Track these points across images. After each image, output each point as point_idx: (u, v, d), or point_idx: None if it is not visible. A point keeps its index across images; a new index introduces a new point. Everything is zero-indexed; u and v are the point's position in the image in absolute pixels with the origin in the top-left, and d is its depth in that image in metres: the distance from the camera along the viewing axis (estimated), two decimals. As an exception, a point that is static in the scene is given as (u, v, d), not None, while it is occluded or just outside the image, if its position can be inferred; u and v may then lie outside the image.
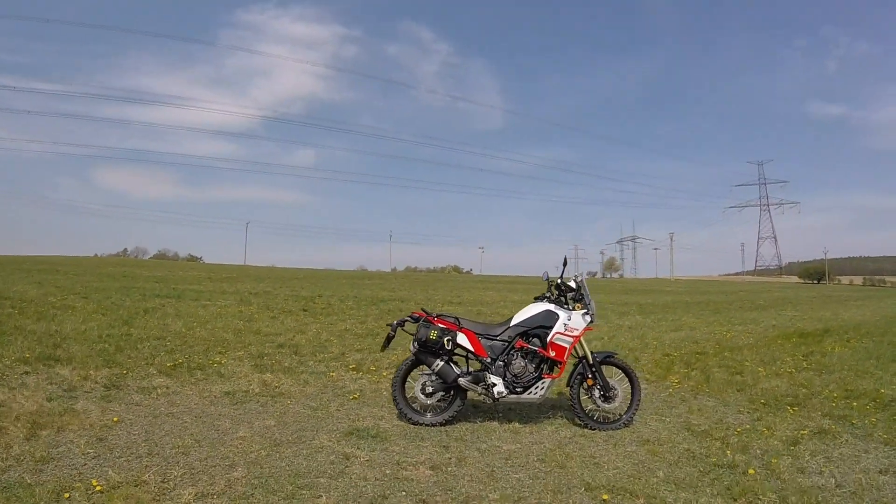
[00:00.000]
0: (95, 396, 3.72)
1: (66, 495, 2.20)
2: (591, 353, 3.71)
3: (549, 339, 3.60)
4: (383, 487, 2.51)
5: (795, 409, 4.05)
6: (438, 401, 3.64)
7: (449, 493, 2.47)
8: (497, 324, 3.83)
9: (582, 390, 3.66)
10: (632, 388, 3.70)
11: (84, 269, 22.34)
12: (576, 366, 3.74)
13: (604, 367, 3.74)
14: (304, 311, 9.75)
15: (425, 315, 3.73)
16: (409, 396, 3.65)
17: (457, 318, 3.76)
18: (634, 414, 3.67)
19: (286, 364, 5.23)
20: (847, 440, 3.35)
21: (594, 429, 3.53)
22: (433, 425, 3.51)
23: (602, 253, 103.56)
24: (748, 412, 4.01)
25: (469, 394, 3.68)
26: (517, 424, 3.62)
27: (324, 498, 2.35)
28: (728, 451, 3.06)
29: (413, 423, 3.53)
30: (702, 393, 4.69)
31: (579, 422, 3.60)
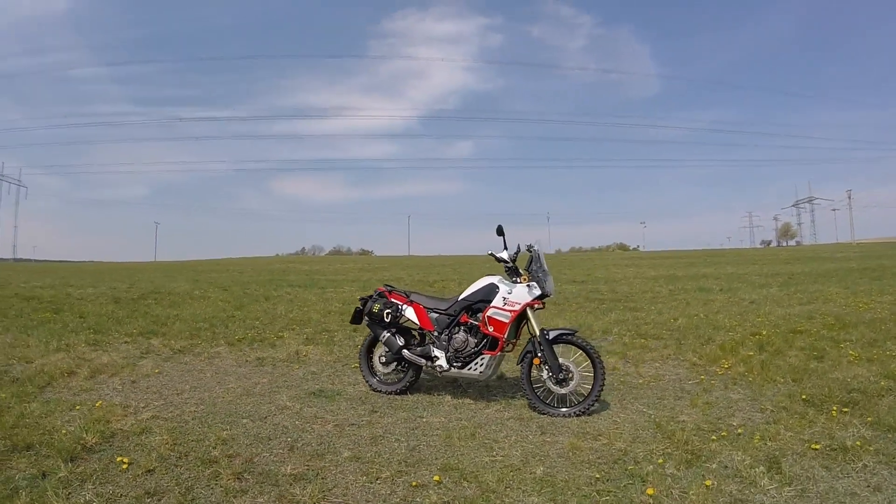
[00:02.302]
0: (160, 358, 5.38)
1: (77, 407, 3.57)
2: (543, 329, 3.73)
3: (484, 313, 3.80)
4: (280, 431, 3.26)
5: (846, 411, 3.34)
6: (396, 371, 4.20)
7: (322, 443, 3.07)
8: (448, 298, 4.16)
9: (535, 370, 3.74)
10: (594, 372, 3.60)
11: (252, 267, 29.03)
12: (527, 343, 3.83)
13: (563, 347, 3.74)
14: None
15: (383, 289, 4.32)
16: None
17: (407, 293, 4.24)
18: (595, 401, 3.56)
19: (336, 339, 6.41)
20: (866, 467, 2.58)
21: (543, 412, 3.58)
22: (387, 393, 4.10)
23: (776, 219, 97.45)
24: (772, 411, 3.48)
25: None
26: (468, 401, 3.94)
27: (238, 430, 3.22)
28: (665, 462, 2.71)
29: (373, 390, 4.18)
30: (741, 382, 4.23)
31: (530, 404, 3.69)
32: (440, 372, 3.96)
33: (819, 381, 4.06)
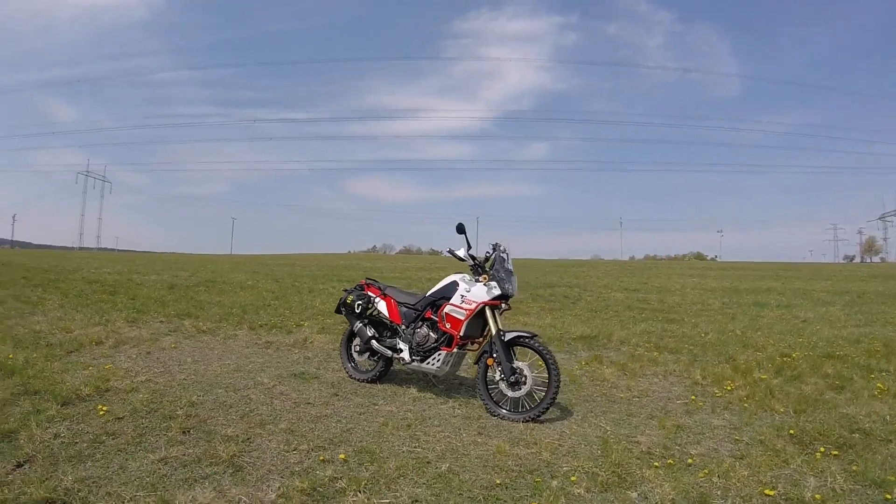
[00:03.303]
0: (182, 336, 6.26)
1: (90, 368, 4.41)
2: (500, 330, 3.93)
3: (441, 310, 4.10)
4: (244, 402, 3.81)
5: (834, 454, 3.15)
6: (369, 360, 4.63)
7: (272, 415, 3.58)
8: (419, 294, 4.51)
9: (490, 371, 3.95)
10: (548, 378, 3.71)
11: (317, 263, 31.09)
12: (484, 343, 4.06)
13: (521, 350, 3.93)
14: None
15: (364, 282, 4.77)
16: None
17: (383, 287, 4.65)
18: (547, 408, 3.68)
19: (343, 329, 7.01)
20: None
21: (494, 414, 3.79)
22: (360, 381, 4.55)
23: (860, 232, 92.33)
24: (746, 444, 3.35)
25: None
26: (430, 395, 4.27)
27: (209, 397, 3.83)
28: (578, 480, 2.70)
29: (349, 377, 4.65)
30: (734, 408, 4.14)
31: (484, 404, 3.90)
32: (404, 364, 4.32)
33: (823, 416, 3.85)
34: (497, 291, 3.97)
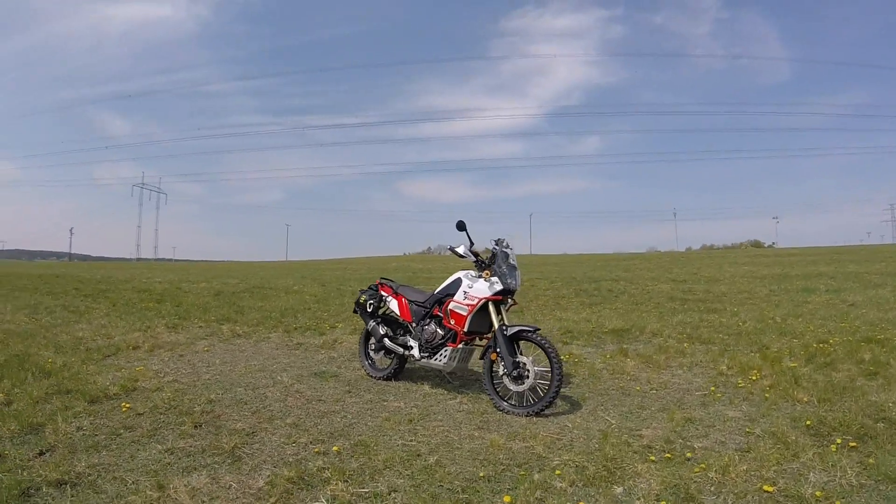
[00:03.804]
0: (218, 339, 6.71)
1: (122, 370, 4.85)
2: (503, 325, 4.00)
3: (445, 306, 4.21)
4: (259, 399, 4.08)
5: (852, 446, 2.98)
6: (384, 358, 4.81)
7: (282, 412, 3.82)
8: (429, 291, 4.63)
9: (495, 366, 4.02)
10: (551, 372, 3.73)
11: (367, 266, 31.96)
12: (491, 339, 4.12)
13: (524, 344, 3.97)
14: None
15: (379, 282, 4.96)
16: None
17: (396, 286, 4.81)
18: (550, 402, 3.71)
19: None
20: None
21: (499, 408, 3.86)
22: (376, 378, 4.74)
23: None
24: (757, 436, 3.23)
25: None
26: (441, 391, 4.39)
27: (228, 395, 4.13)
28: (563, 474, 2.70)
29: (367, 375, 4.85)
30: (755, 398, 4.00)
31: (490, 398, 3.98)
32: (414, 361, 4.46)
33: (849, 404, 3.67)
34: (498, 286, 4.03)
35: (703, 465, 2.81)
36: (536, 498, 2.51)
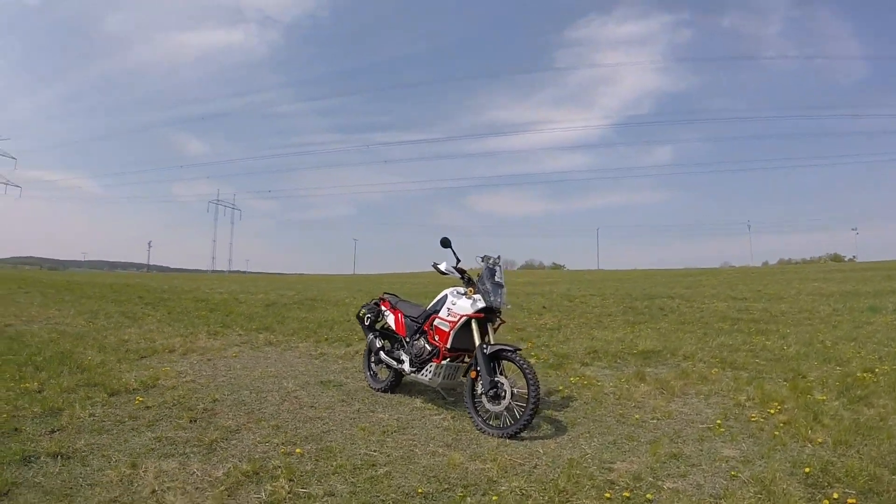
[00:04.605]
0: (250, 346, 7.35)
1: (150, 369, 5.52)
2: (482, 344, 4.16)
3: (430, 322, 4.44)
4: (258, 401, 4.52)
5: (851, 502, 2.78)
6: (384, 370, 5.10)
7: (272, 414, 4.23)
8: (424, 307, 4.87)
9: (476, 384, 4.16)
10: (528, 394, 3.81)
11: (426, 280, 32.60)
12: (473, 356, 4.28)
13: (511, 366, 4.08)
14: (545, 308, 11.78)
15: (382, 297, 5.29)
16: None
17: (395, 301, 5.12)
18: (525, 425, 3.79)
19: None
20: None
21: (478, 428, 3.99)
22: (375, 390, 5.06)
23: None
24: (741, 482, 3.09)
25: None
26: (430, 406, 4.62)
27: (232, 396, 4.62)
28: (486, 499, 2.81)
29: (369, 386, 5.18)
30: (763, 435, 3.83)
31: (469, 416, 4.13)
32: (405, 374, 4.72)
33: (868, 449, 3.41)
34: (481, 304, 4.21)
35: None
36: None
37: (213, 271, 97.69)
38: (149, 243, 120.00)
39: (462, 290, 4.46)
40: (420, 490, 2.94)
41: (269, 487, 2.85)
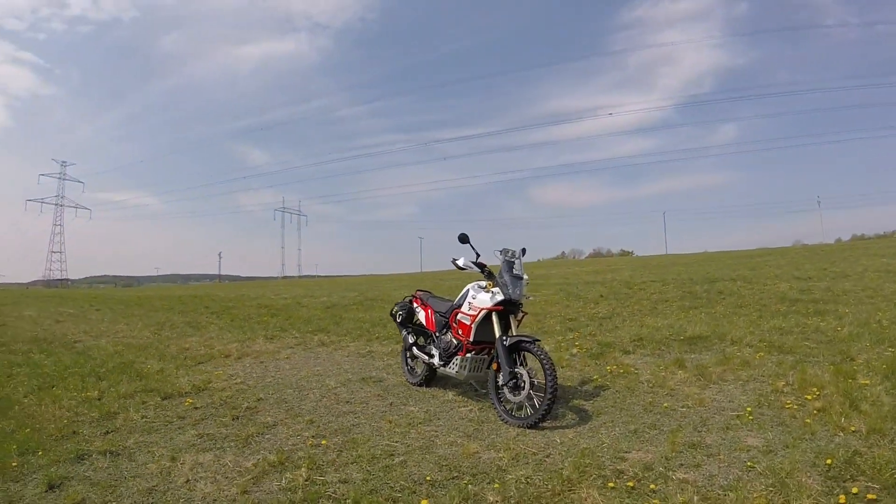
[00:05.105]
0: (303, 348, 7.86)
1: (205, 373, 6.09)
2: (502, 335, 4.30)
3: (453, 317, 4.63)
4: (299, 398, 4.92)
5: (870, 498, 2.69)
6: (419, 365, 5.37)
7: (310, 410, 4.58)
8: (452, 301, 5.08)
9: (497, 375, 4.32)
10: (545, 384, 3.94)
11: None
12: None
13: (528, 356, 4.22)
14: (601, 297, 11.68)
15: (417, 293, 5.57)
16: None
17: (426, 297, 5.36)
18: (544, 415, 3.91)
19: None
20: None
21: (501, 419, 4.16)
22: (412, 384, 5.35)
23: None
24: (758, 473, 3.04)
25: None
26: (462, 398, 4.82)
27: (276, 395, 5.06)
28: (503, 489, 2.90)
29: (407, 381, 5.47)
30: (794, 424, 3.72)
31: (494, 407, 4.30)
32: (435, 368, 4.95)
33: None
34: (500, 297, 4.36)
35: (656, 502, 2.79)
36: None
37: (284, 277, 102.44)
38: (219, 254, 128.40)
39: (483, 283, 4.64)
40: (428, 478, 3.14)
41: (289, 476, 3.16)
